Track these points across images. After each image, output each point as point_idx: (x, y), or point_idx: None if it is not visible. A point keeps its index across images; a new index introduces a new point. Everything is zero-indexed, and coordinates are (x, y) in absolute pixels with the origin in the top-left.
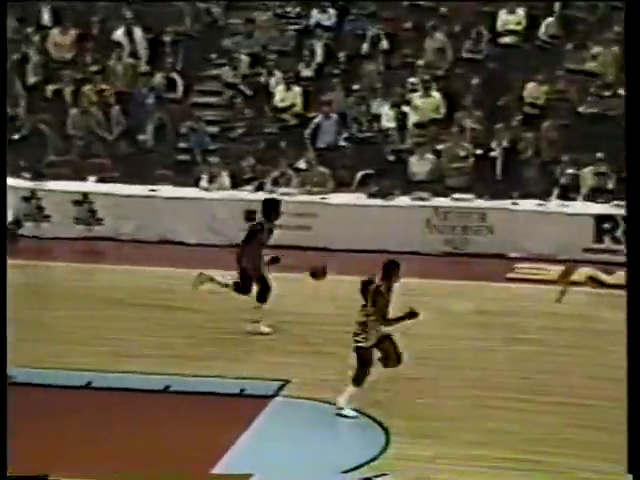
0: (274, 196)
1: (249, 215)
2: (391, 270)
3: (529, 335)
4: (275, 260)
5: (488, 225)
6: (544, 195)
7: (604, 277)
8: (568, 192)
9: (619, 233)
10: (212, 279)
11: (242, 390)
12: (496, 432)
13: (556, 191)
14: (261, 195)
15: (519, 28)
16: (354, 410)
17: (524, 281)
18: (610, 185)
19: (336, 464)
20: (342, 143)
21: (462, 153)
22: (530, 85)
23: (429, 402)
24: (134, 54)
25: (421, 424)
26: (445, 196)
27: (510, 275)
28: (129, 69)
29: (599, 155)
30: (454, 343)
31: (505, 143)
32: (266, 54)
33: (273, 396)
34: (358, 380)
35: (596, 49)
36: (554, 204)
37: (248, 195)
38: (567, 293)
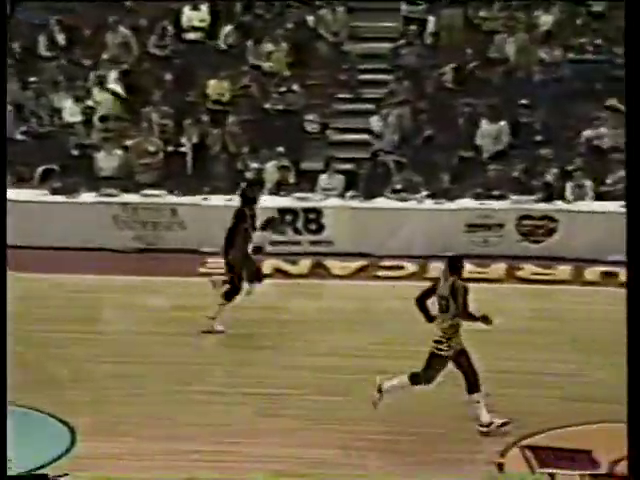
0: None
1: None
2: (458, 264)
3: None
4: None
5: (179, 221)
6: (233, 189)
7: (288, 268)
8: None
9: (299, 225)
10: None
11: None
12: (191, 425)
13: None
14: None
15: (203, 25)
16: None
17: (215, 275)
18: (291, 179)
19: (17, 464)
20: (19, 137)
21: (151, 149)
22: (214, 81)
23: (123, 399)
24: None
25: (114, 421)
26: (135, 192)
27: (202, 270)
28: None
29: (280, 149)
30: (148, 339)
31: (195, 139)
32: None
33: None
34: (476, 386)
35: (270, 46)
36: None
37: None
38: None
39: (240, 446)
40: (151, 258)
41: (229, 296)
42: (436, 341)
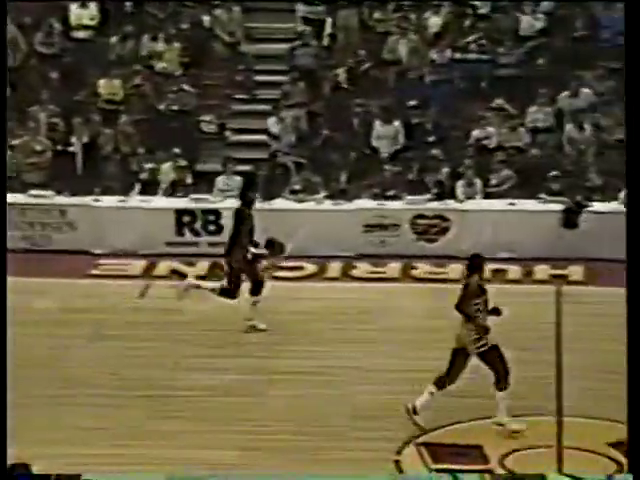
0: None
1: None
2: (475, 263)
3: (114, 331)
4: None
5: (69, 221)
6: (125, 190)
7: (186, 269)
8: (149, 187)
9: (198, 226)
10: (198, 286)
11: None
12: (82, 429)
13: (137, 186)
14: None
15: (93, 23)
16: None
17: (108, 277)
18: (188, 179)
19: None
20: None
21: (38, 148)
22: (105, 80)
23: (9, 404)
24: None
25: None
26: (22, 192)
27: (94, 271)
28: None
29: (176, 150)
30: (37, 342)
31: (85, 138)
32: None
33: None
34: (505, 383)
35: (163, 45)
36: (135, 199)
37: None
38: (151, 287)
39: (132, 449)
40: (40, 259)
41: (224, 294)
42: (476, 339)
